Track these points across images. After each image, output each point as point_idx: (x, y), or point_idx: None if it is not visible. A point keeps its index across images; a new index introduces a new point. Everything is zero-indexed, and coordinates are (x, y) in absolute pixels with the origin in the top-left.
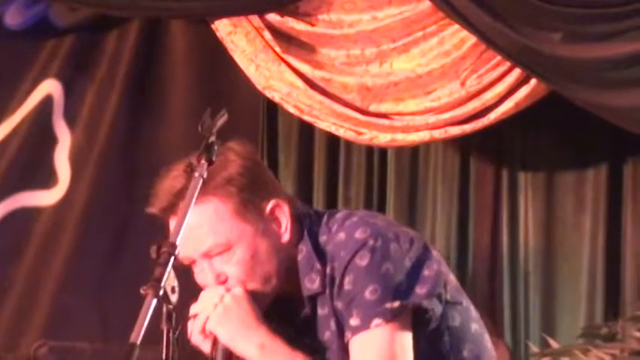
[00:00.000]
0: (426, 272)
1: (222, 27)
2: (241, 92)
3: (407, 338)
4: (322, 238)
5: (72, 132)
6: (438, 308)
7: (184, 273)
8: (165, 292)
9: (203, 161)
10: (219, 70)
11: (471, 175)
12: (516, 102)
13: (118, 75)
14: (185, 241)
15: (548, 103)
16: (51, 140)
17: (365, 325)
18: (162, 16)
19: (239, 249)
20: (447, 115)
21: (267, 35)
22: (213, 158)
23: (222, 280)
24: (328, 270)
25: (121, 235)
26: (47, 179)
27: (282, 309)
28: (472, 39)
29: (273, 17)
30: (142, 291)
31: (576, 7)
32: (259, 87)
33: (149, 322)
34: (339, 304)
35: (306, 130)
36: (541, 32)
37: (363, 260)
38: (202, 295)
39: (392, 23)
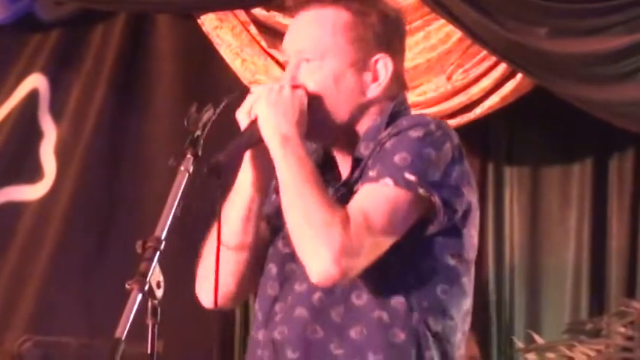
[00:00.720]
0: (459, 191)
1: (208, 21)
2: (227, 87)
3: (403, 213)
4: (400, 119)
5: (58, 126)
6: (446, 216)
7: (169, 269)
8: (150, 287)
9: (189, 155)
10: (205, 64)
11: None
12: (502, 96)
13: (104, 69)
14: (289, 34)
15: (534, 98)
16: (37, 134)
17: (376, 179)
18: (148, 10)
19: (328, 67)
20: (433, 110)
21: (253, 30)
22: (199, 152)
23: (296, 85)
24: (384, 134)
25: (107, 230)
26: (33, 174)
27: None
28: (458, 33)
29: (259, 12)
30: (127, 286)
31: (562, 2)
32: (245, 81)
33: (134, 317)
34: (369, 163)
35: None
36: (527, 27)
37: (415, 133)
38: (265, 85)
39: None
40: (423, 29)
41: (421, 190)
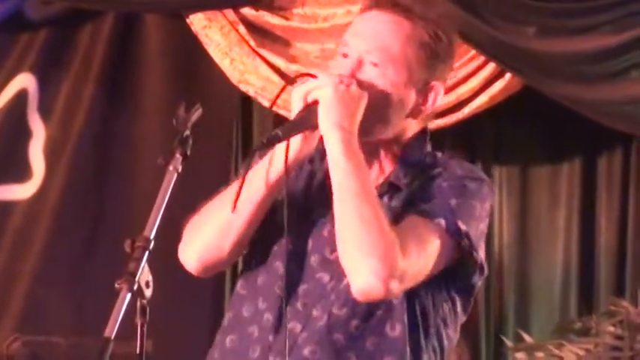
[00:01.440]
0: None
1: (197, 21)
2: (216, 86)
3: (443, 257)
4: (441, 156)
5: (46, 126)
6: (481, 273)
7: (158, 268)
8: (139, 287)
9: (177, 155)
10: (193, 64)
11: None
12: (491, 96)
13: (93, 69)
14: (362, 30)
15: (523, 97)
16: (25, 134)
17: (431, 215)
18: (137, 10)
19: (391, 78)
20: None
21: (242, 29)
22: (188, 152)
23: (356, 81)
24: (434, 171)
25: (96, 229)
26: (21, 173)
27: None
28: None
29: (247, 11)
30: (116, 285)
31: (550, 2)
32: (234, 81)
33: (123, 317)
34: (417, 194)
35: (281, 124)
36: (515, 26)
37: (471, 184)
38: (327, 74)
39: None
40: None
41: (464, 243)
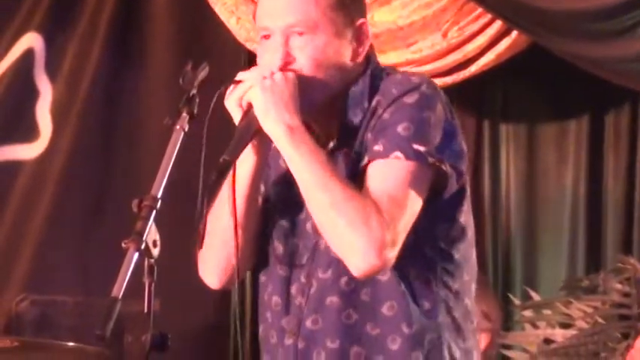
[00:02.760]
0: (457, 147)
1: None
2: (223, 45)
3: (418, 185)
4: (378, 82)
5: (53, 85)
6: (455, 180)
7: (165, 228)
8: (146, 246)
9: (184, 114)
10: (200, 22)
11: None
12: (497, 54)
13: (100, 28)
14: (274, 9)
15: (530, 55)
16: (32, 94)
17: (385, 154)
18: None
19: (319, 38)
20: (428, 67)
21: None
22: (195, 111)
23: (289, 61)
24: (374, 102)
25: (103, 189)
26: (28, 133)
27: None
28: None
29: None
30: (123, 245)
31: None
32: (240, 39)
33: (131, 276)
34: (369, 136)
35: None
36: None
37: (409, 99)
38: (254, 68)
39: None
40: None
41: (431, 160)
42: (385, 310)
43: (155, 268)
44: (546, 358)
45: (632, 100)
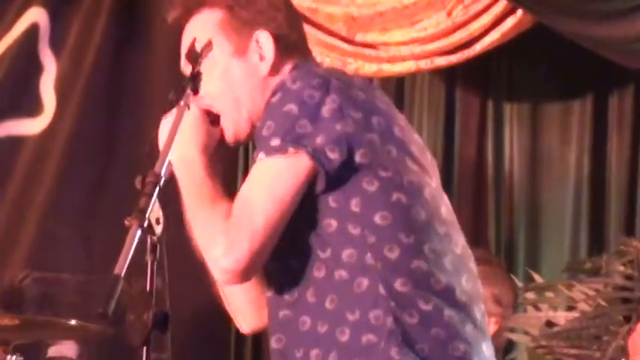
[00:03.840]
0: (338, 127)
1: None
2: None
3: (276, 177)
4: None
5: (58, 60)
6: (332, 164)
7: (169, 205)
8: (149, 223)
9: (189, 91)
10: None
11: (457, 105)
12: (502, 33)
13: (105, 2)
14: (183, 45)
15: (534, 34)
16: (36, 68)
17: (254, 159)
18: None
19: (216, 67)
20: (433, 46)
21: None
22: (199, 88)
23: (195, 99)
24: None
25: (107, 165)
26: (32, 108)
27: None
28: None
29: None
30: (126, 222)
31: None
32: None
33: (133, 254)
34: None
35: None
36: None
37: (274, 98)
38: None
39: None
40: None
41: (291, 149)
42: (328, 304)
43: (158, 245)
44: (548, 340)
45: (636, 80)
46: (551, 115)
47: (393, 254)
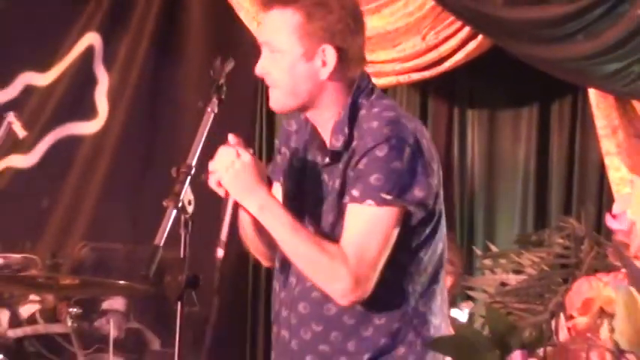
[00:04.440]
0: (426, 180)
1: None
2: (245, 44)
3: (390, 225)
4: (362, 112)
5: (109, 74)
6: (421, 213)
7: (197, 188)
8: (183, 204)
9: (214, 99)
10: (228, 25)
11: (429, 112)
12: (466, 53)
13: (147, 28)
14: (261, 26)
15: (492, 55)
16: (92, 81)
17: (361, 200)
18: None
19: (286, 58)
20: (410, 64)
21: None
22: (223, 97)
23: (263, 73)
24: (354, 144)
25: (148, 158)
26: (89, 113)
27: (313, 155)
28: (431, 2)
29: None
30: (164, 203)
31: None
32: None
33: (170, 228)
34: (350, 174)
35: None
36: None
37: (380, 152)
38: (218, 156)
39: None
40: None
41: (399, 204)
42: (362, 304)
43: (190, 222)
44: (501, 297)
45: (573, 92)
46: (504, 119)
47: (422, 279)
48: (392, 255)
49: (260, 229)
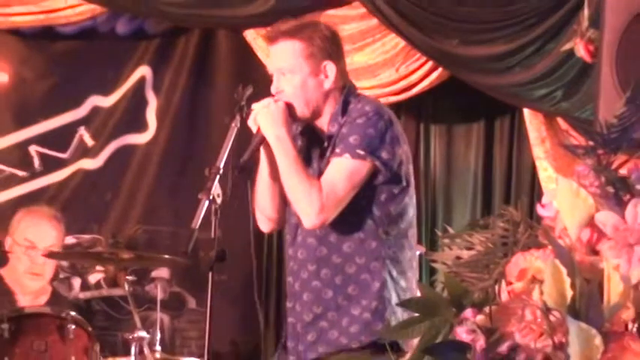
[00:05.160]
0: (392, 148)
1: (250, 34)
2: (262, 76)
3: (359, 174)
4: (351, 106)
5: (157, 97)
6: (386, 172)
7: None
8: (213, 197)
9: (237, 117)
10: (248, 60)
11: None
12: (430, 81)
13: (186, 62)
14: (272, 58)
15: (451, 82)
16: (144, 102)
17: (340, 154)
18: (212, 26)
19: (297, 77)
20: (386, 90)
21: None
22: (244, 114)
23: (278, 92)
24: (342, 121)
25: (187, 162)
26: (141, 127)
27: (314, 138)
28: (402, 43)
29: None
30: (199, 196)
31: (467, 23)
32: None
33: (204, 215)
34: (337, 141)
35: None
36: (445, 39)
37: (360, 120)
38: (261, 101)
39: (354, 33)
40: (381, 40)
41: (368, 159)
42: (346, 247)
43: (219, 211)
44: (457, 268)
45: (511, 111)
46: (459, 133)
47: (394, 231)
48: (367, 207)
49: (274, 176)
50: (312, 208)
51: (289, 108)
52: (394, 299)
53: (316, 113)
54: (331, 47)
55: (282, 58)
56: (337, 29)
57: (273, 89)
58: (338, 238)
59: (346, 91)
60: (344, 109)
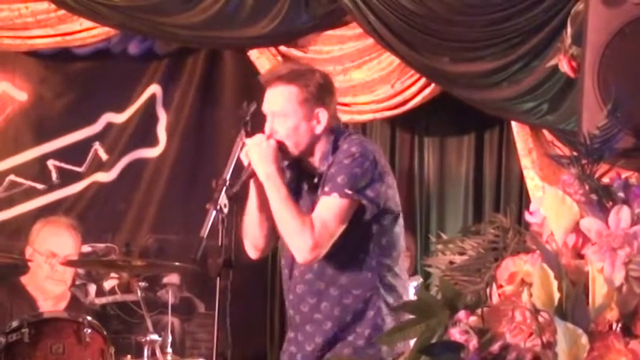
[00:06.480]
0: (377, 186)
1: (253, 54)
2: (265, 93)
3: (347, 212)
4: (340, 146)
5: (167, 114)
6: (373, 208)
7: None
8: (220, 207)
9: (242, 131)
10: (252, 79)
11: (397, 141)
12: (423, 96)
13: (194, 81)
14: (266, 101)
15: (442, 97)
16: (155, 119)
17: (329, 193)
18: (219, 46)
19: (290, 121)
20: (382, 105)
21: (280, 58)
22: (249, 129)
23: (271, 133)
24: (331, 160)
25: (196, 174)
26: (152, 142)
27: (303, 171)
28: (397, 61)
29: (282, 48)
30: (207, 206)
31: (457, 43)
32: None
33: (212, 224)
34: (326, 180)
35: None
36: (437, 57)
37: (346, 161)
38: (254, 137)
39: (351, 52)
40: (377, 58)
41: (355, 197)
42: (343, 280)
43: (225, 220)
44: (450, 272)
45: (500, 124)
46: (451, 144)
47: (387, 261)
48: (361, 241)
49: (262, 207)
50: (305, 245)
51: (280, 146)
52: (388, 325)
53: (307, 153)
54: (324, 94)
55: (277, 101)
56: (331, 78)
57: (267, 130)
58: (335, 272)
59: (336, 132)
60: (334, 147)
